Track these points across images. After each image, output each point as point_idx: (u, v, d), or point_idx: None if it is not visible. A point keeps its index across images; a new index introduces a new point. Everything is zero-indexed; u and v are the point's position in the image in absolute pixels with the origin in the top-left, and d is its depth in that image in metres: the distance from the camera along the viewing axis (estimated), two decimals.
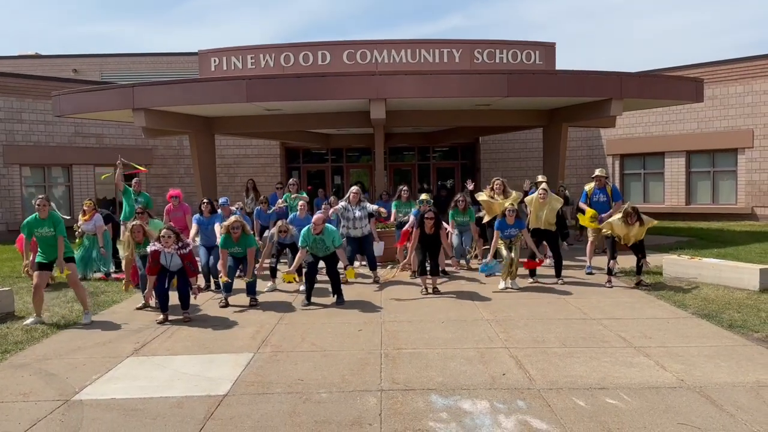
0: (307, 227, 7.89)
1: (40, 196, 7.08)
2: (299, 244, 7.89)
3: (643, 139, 19.67)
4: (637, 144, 20.00)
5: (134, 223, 7.62)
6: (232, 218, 7.76)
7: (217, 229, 8.42)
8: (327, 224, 7.93)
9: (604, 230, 8.47)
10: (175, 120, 13.40)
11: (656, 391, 4.51)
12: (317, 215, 7.90)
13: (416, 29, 75.91)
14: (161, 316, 6.95)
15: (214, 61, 14.48)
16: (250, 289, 7.84)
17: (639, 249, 8.38)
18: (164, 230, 6.98)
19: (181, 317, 7.00)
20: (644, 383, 4.67)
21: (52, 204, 7.15)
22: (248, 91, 11.63)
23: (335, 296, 7.88)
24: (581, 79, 11.97)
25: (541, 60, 14.47)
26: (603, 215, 9.42)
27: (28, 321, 6.87)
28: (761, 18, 60.50)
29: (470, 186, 10.77)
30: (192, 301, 7.28)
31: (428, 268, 8.31)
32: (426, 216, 8.22)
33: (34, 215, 6.97)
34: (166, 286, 7.09)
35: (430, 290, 8.32)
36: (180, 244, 6.99)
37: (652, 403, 4.27)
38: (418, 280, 8.51)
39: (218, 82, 12.46)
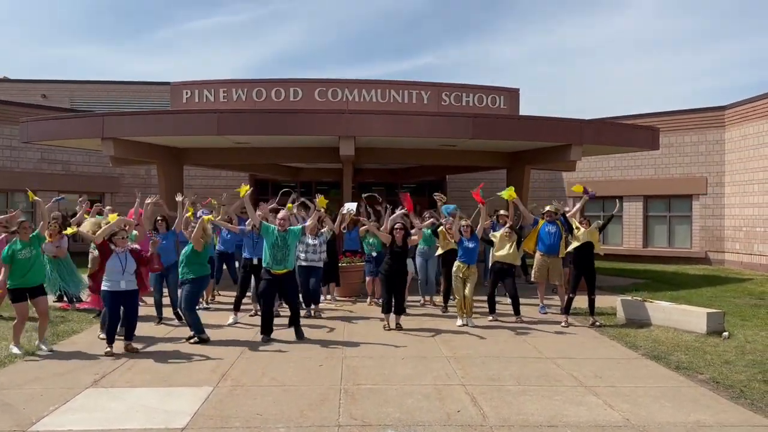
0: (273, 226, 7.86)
1: (21, 219, 7.17)
2: (262, 232, 7.83)
3: (603, 182, 20.34)
4: (597, 187, 20.23)
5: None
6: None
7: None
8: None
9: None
10: (144, 150, 13.41)
11: (602, 429, 4.73)
12: (282, 212, 8.06)
13: (389, 67, 77.47)
14: (107, 348, 6.81)
15: (186, 93, 14.66)
16: (193, 325, 7.55)
17: (590, 283, 8.91)
18: (119, 231, 7.06)
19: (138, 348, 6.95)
20: (591, 422, 4.88)
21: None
22: (219, 124, 11.78)
23: (294, 329, 7.85)
24: (542, 125, 12.48)
25: (505, 104, 15.03)
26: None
27: (16, 351, 6.78)
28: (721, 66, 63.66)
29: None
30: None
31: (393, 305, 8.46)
32: (396, 227, 8.50)
33: (15, 240, 6.90)
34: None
35: (393, 326, 8.46)
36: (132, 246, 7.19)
37: None
38: (382, 316, 8.64)
39: (190, 114, 12.62)
